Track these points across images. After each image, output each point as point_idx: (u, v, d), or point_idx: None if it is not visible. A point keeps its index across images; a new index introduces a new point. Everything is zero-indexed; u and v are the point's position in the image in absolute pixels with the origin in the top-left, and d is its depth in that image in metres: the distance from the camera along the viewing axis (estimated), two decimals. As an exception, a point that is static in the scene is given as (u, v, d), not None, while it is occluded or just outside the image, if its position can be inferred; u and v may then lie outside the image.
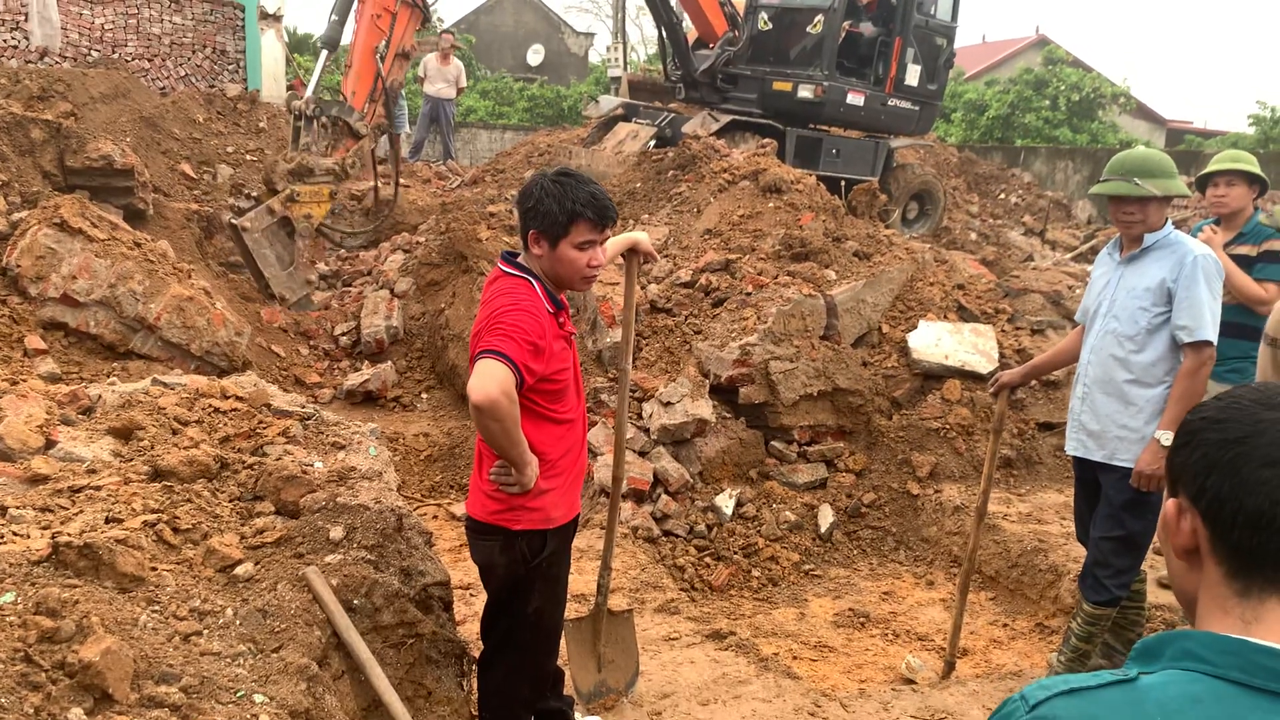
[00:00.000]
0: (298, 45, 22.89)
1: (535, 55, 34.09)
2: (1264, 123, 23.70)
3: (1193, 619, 1.14)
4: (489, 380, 2.58)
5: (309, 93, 8.50)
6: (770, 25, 12.10)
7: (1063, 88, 22.88)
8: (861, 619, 5.19)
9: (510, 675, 3.11)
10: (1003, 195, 16.83)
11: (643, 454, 6.02)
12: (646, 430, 6.13)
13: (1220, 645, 1.03)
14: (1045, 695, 1.04)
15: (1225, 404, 1.13)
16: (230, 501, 3.13)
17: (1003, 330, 7.15)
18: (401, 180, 10.20)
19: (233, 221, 8.07)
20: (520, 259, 2.93)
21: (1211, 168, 4.94)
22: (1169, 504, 1.15)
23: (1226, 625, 1.07)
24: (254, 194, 8.27)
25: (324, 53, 8.66)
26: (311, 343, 7.85)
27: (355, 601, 2.85)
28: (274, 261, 8.15)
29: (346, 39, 8.76)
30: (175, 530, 2.85)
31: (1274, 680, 0.99)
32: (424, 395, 7.49)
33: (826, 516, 6.01)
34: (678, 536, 5.66)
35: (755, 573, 5.59)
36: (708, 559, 5.58)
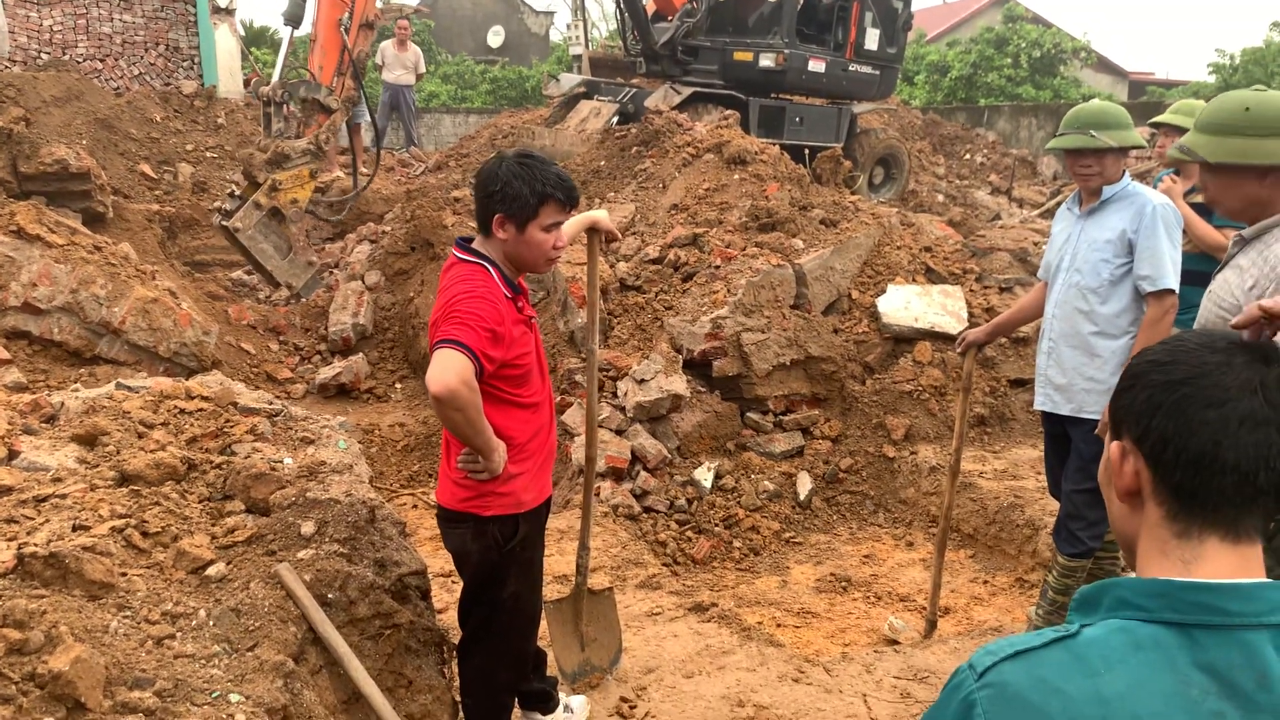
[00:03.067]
0: (254, 39, 22.59)
1: (495, 37, 33.79)
2: (1224, 70, 23.81)
3: (1133, 563, 1.15)
4: (447, 371, 2.57)
5: (275, 77, 8.41)
6: (728, -6, 12.05)
7: (1024, 45, 22.90)
8: (843, 583, 5.22)
9: (490, 660, 3.12)
10: (968, 155, 16.88)
11: (620, 432, 6.02)
12: (622, 408, 6.12)
13: (1150, 589, 1.04)
14: (992, 661, 1.05)
15: (1171, 347, 1.14)
16: (200, 502, 3.10)
17: (971, 290, 7.18)
18: (364, 169, 10.10)
19: (223, 224, 8.03)
20: (475, 244, 2.91)
21: (1159, 119, 5.00)
22: (1113, 446, 1.16)
23: (1166, 567, 1.08)
24: (238, 193, 8.20)
25: (289, 31, 8.58)
26: (281, 338, 7.80)
27: (330, 595, 2.84)
28: (273, 253, 8.16)
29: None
30: (144, 534, 2.82)
31: (1205, 614, 1.01)
32: (398, 385, 7.47)
33: (805, 484, 6.04)
34: (658, 512, 5.67)
35: (736, 544, 5.62)
36: (689, 533, 5.60)
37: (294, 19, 8.45)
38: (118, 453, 3.26)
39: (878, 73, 12.37)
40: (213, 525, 3.00)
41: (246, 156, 8.29)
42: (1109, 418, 1.19)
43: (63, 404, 3.63)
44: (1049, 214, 13.15)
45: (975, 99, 22.51)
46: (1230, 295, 2.68)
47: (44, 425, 3.47)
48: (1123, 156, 3.83)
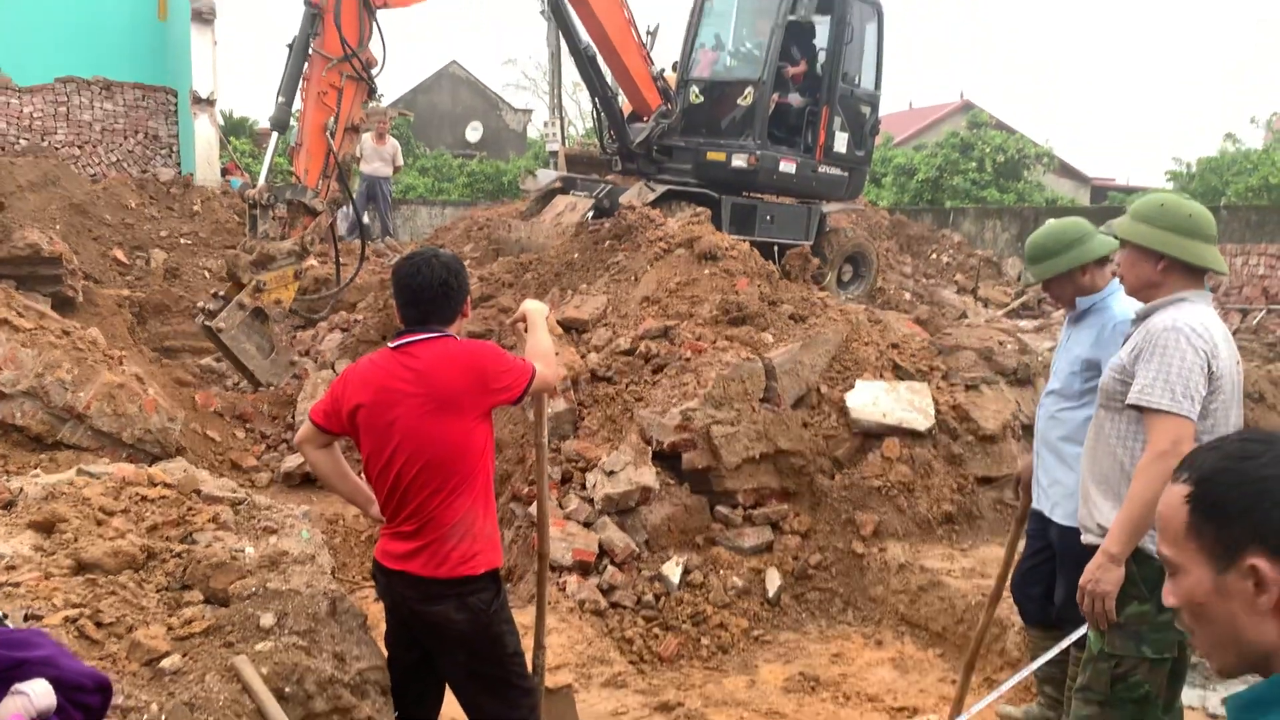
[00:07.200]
0: (233, 129, 22.89)
1: (474, 132, 34.41)
2: (1180, 178, 24.69)
3: (1265, 671, 1.17)
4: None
5: (262, 180, 8.52)
6: (702, 98, 12.37)
7: (988, 150, 23.59)
8: (812, 683, 5.15)
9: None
10: (934, 255, 17.21)
11: (588, 525, 5.97)
12: (591, 500, 6.08)
13: None
14: None
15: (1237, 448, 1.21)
16: (157, 591, 3.05)
17: (938, 387, 7.25)
18: (344, 260, 10.14)
19: (206, 325, 8.03)
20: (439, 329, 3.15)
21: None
22: (1258, 567, 1.19)
23: None
24: (221, 293, 8.23)
25: (275, 136, 8.70)
26: (248, 426, 7.73)
27: (287, 689, 2.78)
28: (255, 353, 8.14)
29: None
30: (98, 624, 2.76)
31: None
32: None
33: (774, 580, 5.99)
34: (625, 608, 5.59)
35: (704, 641, 5.54)
36: (656, 629, 5.52)
37: (280, 124, 8.60)
38: (75, 540, 3.20)
39: (846, 174, 12.67)
40: (170, 615, 2.94)
41: (232, 257, 8.36)
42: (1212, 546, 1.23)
43: (21, 489, 3.58)
44: (1014, 313, 13.39)
45: (941, 201, 23.07)
46: (1118, 359, 3.10)
47: (1, 511, 3.41)
48: (1090, 268, 3.90)
